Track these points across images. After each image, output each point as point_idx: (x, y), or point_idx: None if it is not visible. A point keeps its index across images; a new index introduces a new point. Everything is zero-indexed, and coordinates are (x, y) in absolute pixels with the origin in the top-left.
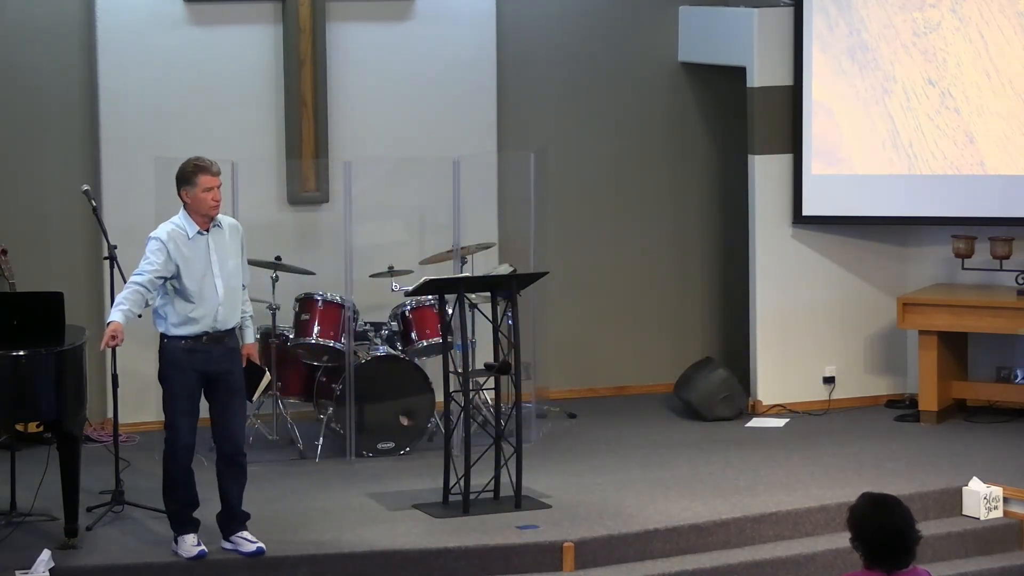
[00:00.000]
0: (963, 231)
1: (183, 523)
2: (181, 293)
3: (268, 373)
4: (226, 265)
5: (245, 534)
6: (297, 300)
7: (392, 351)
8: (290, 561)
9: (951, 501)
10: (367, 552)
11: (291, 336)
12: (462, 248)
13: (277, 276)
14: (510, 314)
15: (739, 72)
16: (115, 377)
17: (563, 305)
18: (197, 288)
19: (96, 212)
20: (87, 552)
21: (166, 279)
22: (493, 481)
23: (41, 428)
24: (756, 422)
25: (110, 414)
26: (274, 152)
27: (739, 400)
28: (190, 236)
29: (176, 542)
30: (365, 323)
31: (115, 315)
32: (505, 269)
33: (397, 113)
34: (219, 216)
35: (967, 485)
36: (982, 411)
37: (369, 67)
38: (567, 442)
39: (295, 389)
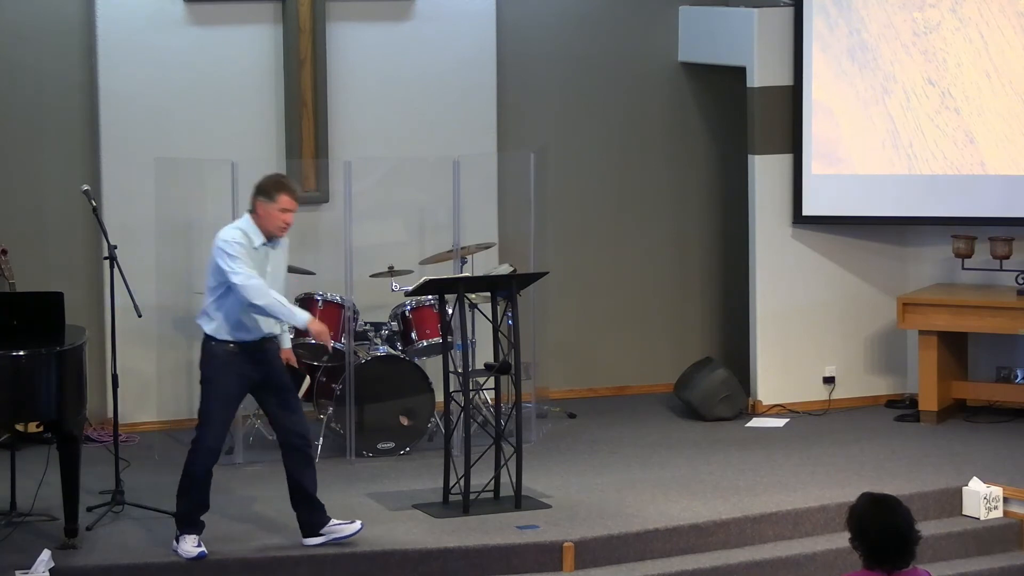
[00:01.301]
0: (963, 231)
1: (191, 524)
2: (236, 298)
3: (308, 377)
4: (278, 278)
5: (335, 521)
6: (297, 300)
7: (392, 351)
8: (290, 561)
9: (951, 501)
10: (367, 552)
11: (291, 336)
12: (462, 248)
13: None
14: (510, 314)
15: (739, 72)
16: (115, 377)
17: (563, 305)
18: None
19: (96, 212)
20: (87, 552)
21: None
22: (493, 481)
23: (41, 428)
24: (756, 422)
25: (110, 414)
26: (274, 152)
27: (739, 400)
28: (255, 245)
29: (177, 541)
30: (365, 323)
31: (302, 313)
32: (505, 269)
33: (397, 113)
34: None
35: (967, 485)
36: (982, 411)
37: (369, 67)
38: (567, 442)
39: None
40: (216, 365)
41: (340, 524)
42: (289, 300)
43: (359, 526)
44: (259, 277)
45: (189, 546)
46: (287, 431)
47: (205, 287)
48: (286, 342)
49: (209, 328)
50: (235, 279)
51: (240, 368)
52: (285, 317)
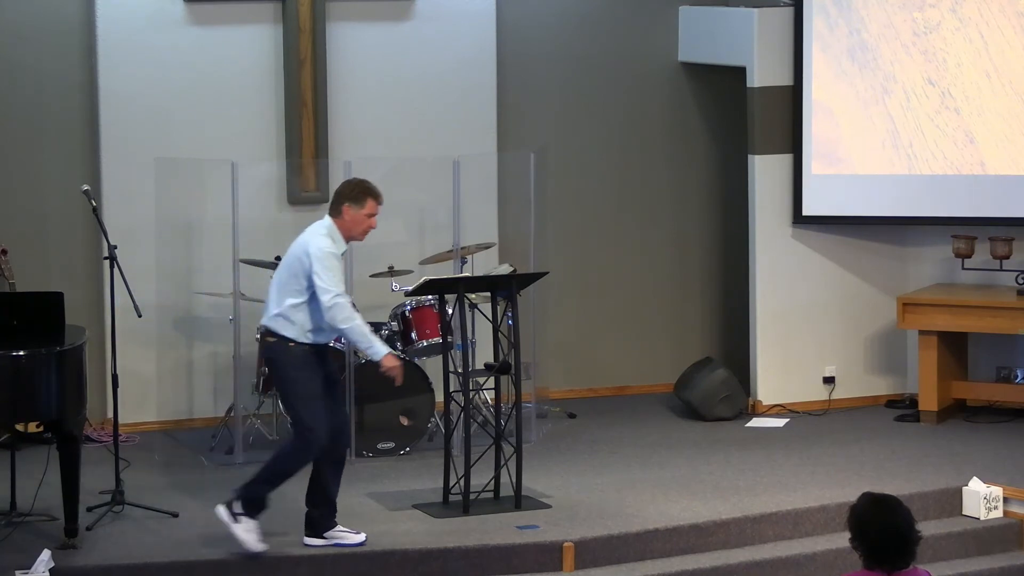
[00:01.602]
0: (963, 231)
1: (261, 508)
2: (318, 304)
3: None
4: (347, 282)
5: (342, 528)
6: None
7: (392, 351)
8: (290, 561)
9: (951, 501)
10: (367, 552)
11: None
12: (462, 248)
13: None
14: (510, 314)
15: (739, 72)
16: (115, 377)
17: (563, 305)
18: None
19: (96, 212)
20: (87, 552)
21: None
22: (493, 481)
23: (41, 428)
24: (756, 422)
25: (110, 414)
26: (274, 152)
27: (739, 400)
28: (341, 251)
29: (237, 520)
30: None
31: (381, 347)
32: (505, 269)
33: (397, 113)
34: None
35: (967, 485)
36: (982, 411)
37: (369, 67)
38: (567, 442)
39: None
40: (299, 365)
41: (345, 532)
42: None
43: (363, 538)
44: (345, 294)
45: (253, 536)
46: (336, 433)
47: (277, 286)
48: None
49: (289, 332)
50: (325, 298)
51: (317, 364)
52: (363, 347)
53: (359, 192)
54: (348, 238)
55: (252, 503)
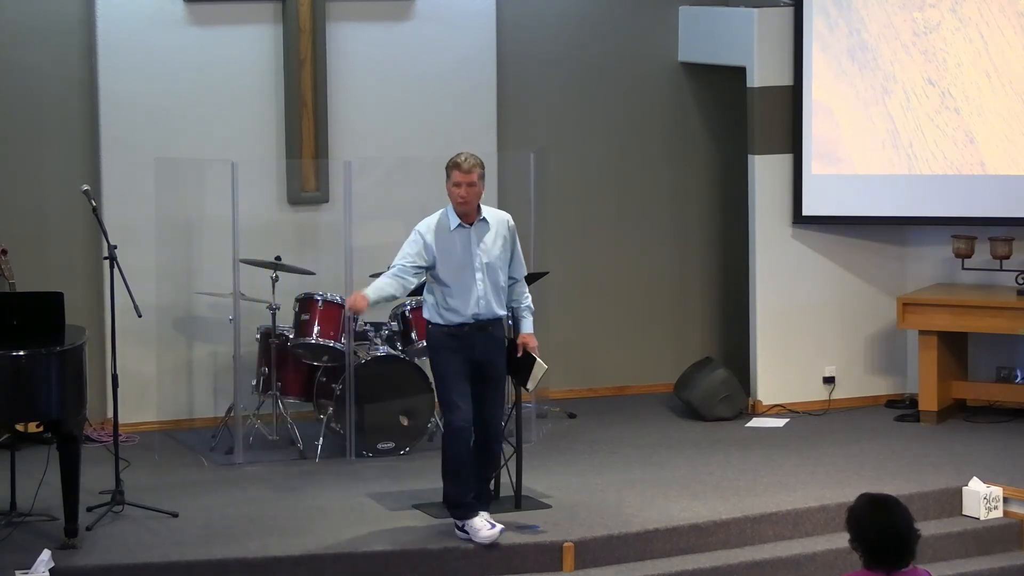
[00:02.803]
0: (963, 231)
1: (467, 507)
2: (441, 283)
3: (543, 363)
4: (488, 259)
5: (485, 516)
6: (297, 300)
7: (392, 351)
8: (290, 561)
9: (951, 501)
10: (367, 552)
11: (291, 336)
12: None
13: (277, 276)
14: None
15: (739, 72)
16: (115, 377)
17: (563, 305)
18: (454, 279)
19: (96, 212)
20: (87, 552)
21: (426, 268)
22: (493, 481)
23: (41, 428)
24: (756, 422)
25: (110, 414)
26: (274, 152)
27: (739, 400)
28: (451, 228)
29: (464, 530)
30: (365, 323)
31: (366, 290)
32: None
33: (397, 113)
34: (487, 210)
35: (967, 485)
36: (982, 411)
37: (369, 67)
38: (567, 442)
39: (295, 389)
40: (435, 347)
41: (485, 522)
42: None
43: (491, 537)
44: (395, 274)
45: (483, 531)
46: (478, 422)
47: None
48: (527, 327)
49: (426, 314)
50: None
51: (457, 348)
52: (390, 290)
53: (448, 168)
54: (460, 214)
55: (454, 505)
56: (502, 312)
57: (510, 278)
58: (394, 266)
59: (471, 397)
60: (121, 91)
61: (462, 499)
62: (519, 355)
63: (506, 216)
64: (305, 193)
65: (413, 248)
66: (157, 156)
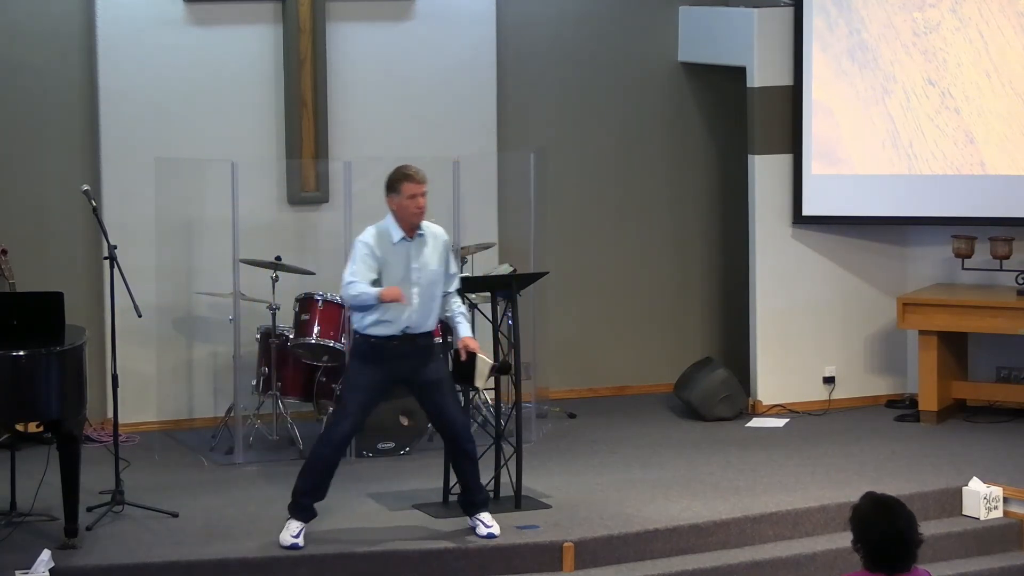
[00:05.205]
0: (963, 231)
1: (301, 509)
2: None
3: (486, 358)
4: (425, 273)
5: (483, 516)
6: (297, 300)
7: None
8: (290, 561)
9: (951, 501)
10: (367, 552)
11: (291, 336)
12: (462, 248)
13: (277, 276)
14: (510, 314)
15: (739, 72)
16: (115, 377)
17: (563, 305)
18: None
19: (96, 212)
20: (87, 552)
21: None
22: (493, 481)
23: (41, 428)
24: (756, 422)
25: (110, 414)
26: (274, 152)
27: (739, 400)
28: (394, 241)
29: (296, 535)
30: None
31: (371, 292)
32: (505, 269)
33: (397, 113)
34: (425, 224)
35: (967, 485)
36: (982, 411)
37: (369, 67)
38: (567, 442)
39: (295, 389)
40: (358, 356)
41: (484, 523)
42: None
43: (493, 535)
44: (363, 282)
45: (289, 533)
46: (442, 427)
47: None
48: (463, 331)
49: (356, 323)
50: (344, 277)
51: (381, 361)
52: (368, 302)
53: (394, 181)
54: (406, 228)
55: (293, 503)
56: (433, 326)
57: (444, 292)
58: (353, 282)
59: (426, 411)
60: (121, 91)
61: (303, 498)
62: (463, 359)
63: (441, 230)
64: (305, 193)
65: (367, 263)
66: (157, 156)
